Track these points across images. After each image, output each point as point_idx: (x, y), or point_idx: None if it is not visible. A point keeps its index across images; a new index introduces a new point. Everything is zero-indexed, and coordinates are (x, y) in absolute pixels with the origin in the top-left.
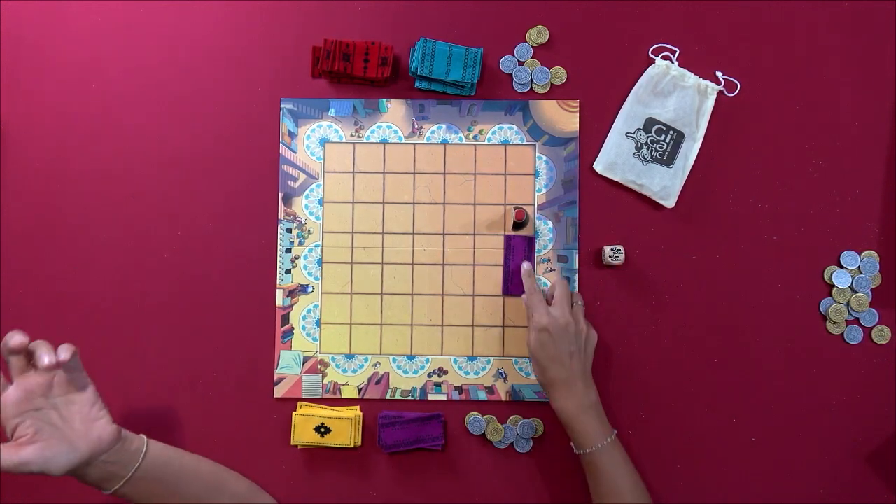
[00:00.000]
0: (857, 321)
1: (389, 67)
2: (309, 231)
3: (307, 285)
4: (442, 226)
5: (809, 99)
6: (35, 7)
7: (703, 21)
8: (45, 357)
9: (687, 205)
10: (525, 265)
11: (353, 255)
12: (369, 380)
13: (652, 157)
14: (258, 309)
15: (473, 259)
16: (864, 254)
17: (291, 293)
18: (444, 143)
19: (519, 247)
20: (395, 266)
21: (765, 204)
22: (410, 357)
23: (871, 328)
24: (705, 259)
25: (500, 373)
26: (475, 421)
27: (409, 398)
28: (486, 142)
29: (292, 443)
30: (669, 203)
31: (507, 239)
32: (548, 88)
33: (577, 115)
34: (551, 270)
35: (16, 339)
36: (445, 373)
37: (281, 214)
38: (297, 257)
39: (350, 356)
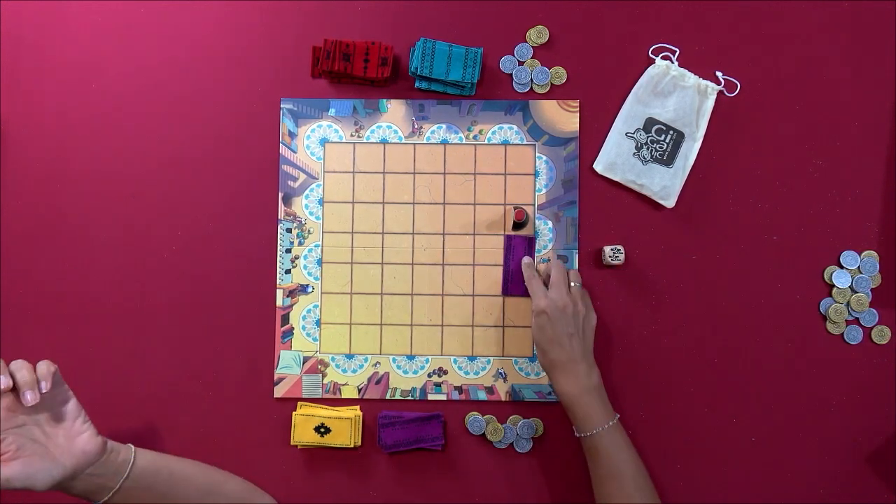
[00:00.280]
0: (857, 321)
1: (389, 67)
2: (309, 231)
3: (307, 285)
4: (442, 226)
5: (809, 99)
6: (35, 7)
7: (703, 21)
8: (28, 394)
9: (687, 205)
10: (525, 259)
11: (353, 255)
12: (369, 380)
13: (652, 157)
14: (258, 309)
15: (473, 259)
16: (864, 254)
17: (291, 293)
18: (444, 143)
19: (519, 247)
20: (395, 266)
21: (765, 204)
22: (410, 357)
23: (871, 328)
24: (705, 259)
25: (500, 373)
26: (475, 421)
27: (409, 398)
28: (486, 142)
29: (292, 443)
30: (669, 203)
31: (508, 239)
32: (548, 88)
33: (577, 115)
34: (547, 260)
35: (1, 382)
36: (445, 373)
37: (281, 214)
38: (297, 257)
39: (350, 356)
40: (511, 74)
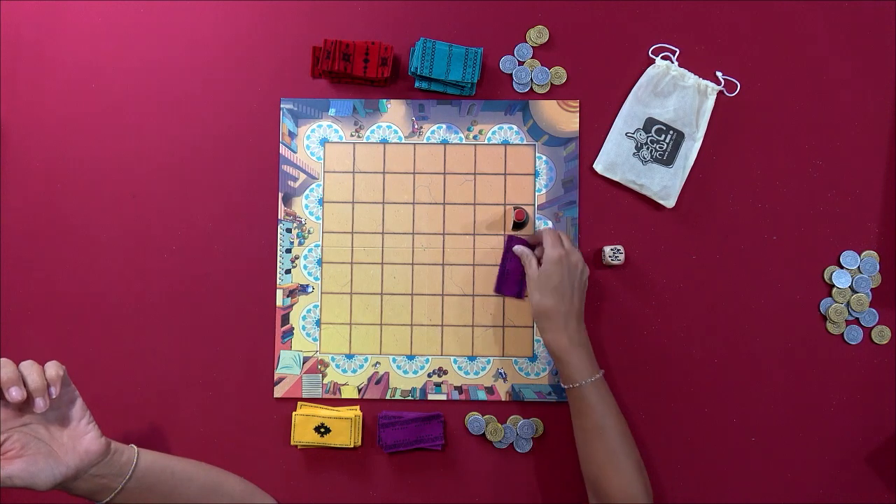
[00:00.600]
0: (857, 321)
1: (389, 67)
2: (309, 231)
3: (307, 285)
4: (442, 226)
5: (809, 99)
6: (35, 7)
7: (703, 21)
8: (39, 401)
9: (687, 205)
10: (517, 248)
11: (353, 255)
12: (369, 380)
13: (652, 157)
14: (258, 309)
15: (473, 259)
16: (864, 254)
17: (291, 293)
18: (444, 143)
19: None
20: (395, 266)
21: (765, 204)
22: (410, 357)
23: (871, 328)
24: (705, 259)
25: (500, 373)
26: (475, 421)
27: (409, 398)
28: (486, 142)
29: (292, 443)
30: (669, 203)
31: (509, 240)
32: (548, 88)
33: (577, 115)
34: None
35: (16, 395)
36: (445, 373)
37: (281, 214)
38: (297, 257)
39: (350, 356)
40: (511, 74)
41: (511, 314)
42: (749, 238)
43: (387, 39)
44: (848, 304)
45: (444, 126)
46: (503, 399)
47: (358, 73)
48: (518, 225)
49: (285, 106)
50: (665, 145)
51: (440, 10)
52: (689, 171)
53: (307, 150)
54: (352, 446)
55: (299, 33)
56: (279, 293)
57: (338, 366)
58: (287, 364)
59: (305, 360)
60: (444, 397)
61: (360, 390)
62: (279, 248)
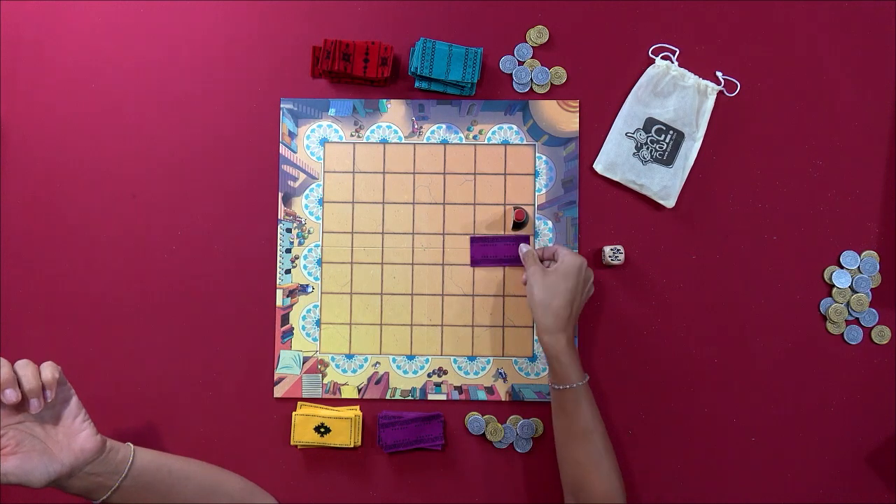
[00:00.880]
0: (857, 321)
1: (389, 67)
2: (309, 231)
3: (307, 285)
4: (442, 226)
5: (809, 99)
6: (35, 7)
7: (703, 21)
8: (34, 402)
9: (687, 205)
10: (523, 247)
11: (352, 255)
12: (369, 380)
13: (652, 157)
14: (258, 309)
15: None
16: (864, 254)
17: (291, 293)
18: (444, 143)
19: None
20: (394, 266)
21: (765, 204)
22: (410, 357)
23: (871, 328)
24: (705, 259)
25: (500, 373)
26: (475, 421)
27: (409, 398)
28: (486, 142)
29: (292, 443)
30: (669, 203)
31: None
32: (548, 88)
33: (577, 115)
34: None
35: (11, 397)
36: (445, 373)
37: (281, 214)
38: (297, 257)
39: (350, 356)
40: (511, 74)
41: (511, 314)
42: (749, 238)
43: (387, 39)
44: (848, 304)
45: (444, 126)
46: (503, 399)
47: (358, 73)
48: (518, 225)
49: (285, 106)
50: (665, 145)
51: (440, 10)
52: (689, 171)
53: (307, 150)
54: (352, 446)
55: (299, 33)
56: (279, 293)
57: (338, 366)
58: (287, 364)
59: (305, 360)
60: (444, 397)
61: (360, 390)
62: (279, 248)
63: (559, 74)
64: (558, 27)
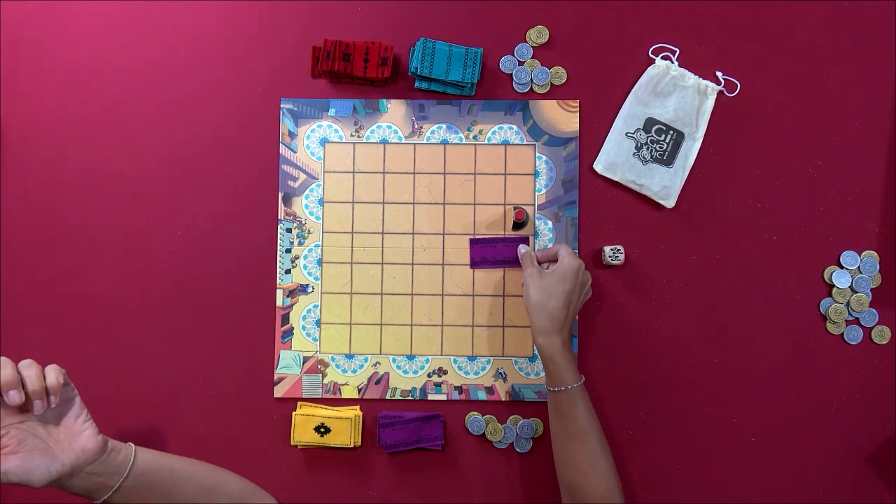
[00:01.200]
0: (857, 321)
1: (389, 67)
2: (309, 231)
3: (307, 285)
4: (442, 226)
5: (809, 99)
6: (35, 7)
7: (703, 21)
8: (38, 404)
9: (687, 205)
10: (521, 247)
11: (352, 255)
12: (369, 380)
13: (652, 157)
14: (258, 309)
15: None
16: (864, 254)
17: (291, 293)
18: (444, 143)
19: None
20: (394, 266)
21: (765, 204)
22: (410, 357)
23: (871, 328)
24: (705, 259)
25: (500, 373)
26: (475, 421)
27: (409, 398)
28: (486, 142)
29: (292, 443)
30: (669, 203)
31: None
32: (548, 88)
33: (577, 115)
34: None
35: (14, 398)
36: (445, 373)
37: (281, 214)
38: (297, 257)
39: (350, 356)
40: (511, 74)
41: (511, 314)
42: (749, 238)
43: (387, 39)
44: (848, 304)
45: (444, 126)
46: (503, 399)
47: (358, 73)
48: (518, 225)
49: (285, 106)
50: (665, 145)
51: (440, 10)
52: (689, 171)
53: (307, 149)
54: (352, 446)
55: (299, 33)
56: (279, 293)
57: (338, 366)
58: (287, 364)
59: (305, 360)
60: (444, 397)
61: (360, 390)
62: (279, 248)
63: (559, 74)
64: (558, 27)
